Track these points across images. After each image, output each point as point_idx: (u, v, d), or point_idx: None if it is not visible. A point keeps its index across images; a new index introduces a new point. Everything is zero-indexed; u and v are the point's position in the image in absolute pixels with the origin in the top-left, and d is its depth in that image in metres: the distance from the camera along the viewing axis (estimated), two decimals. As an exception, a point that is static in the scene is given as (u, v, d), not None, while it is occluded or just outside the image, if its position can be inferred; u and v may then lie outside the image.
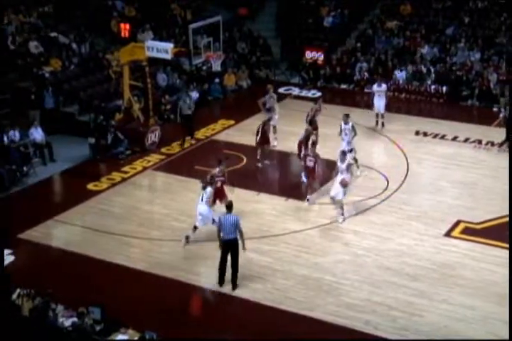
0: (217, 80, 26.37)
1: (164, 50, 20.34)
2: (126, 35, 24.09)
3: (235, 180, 17.38)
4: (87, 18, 27.66)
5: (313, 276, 14.75)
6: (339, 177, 16.70)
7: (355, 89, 27.06)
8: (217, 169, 16.43)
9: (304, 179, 18.19)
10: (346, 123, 19.22)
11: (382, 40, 28.59)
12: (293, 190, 18.03)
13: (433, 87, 25.84)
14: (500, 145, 21.07)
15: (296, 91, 26.75)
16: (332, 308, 13.70)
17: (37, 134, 20.72)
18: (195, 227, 15.70)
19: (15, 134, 20.26)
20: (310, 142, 18.99)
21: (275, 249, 15.81)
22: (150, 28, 27.34)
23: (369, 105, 23.36)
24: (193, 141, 21.83)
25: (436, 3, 29.70)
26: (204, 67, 26.31)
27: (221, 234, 14.11)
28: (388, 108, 22.82)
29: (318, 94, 26.22)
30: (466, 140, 21.73)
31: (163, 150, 21.42)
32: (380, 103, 22.45)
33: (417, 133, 22.36)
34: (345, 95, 26.65)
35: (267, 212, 17.40)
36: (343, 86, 27.47)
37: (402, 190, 18.48)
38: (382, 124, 22.61)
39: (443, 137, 22.05)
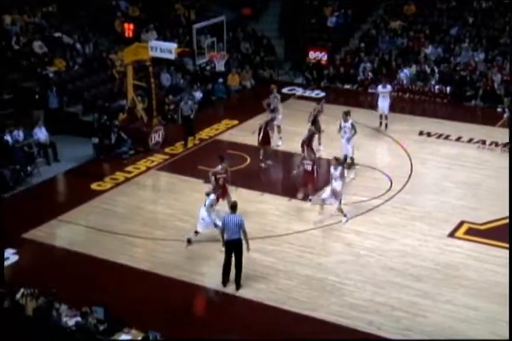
0: (220, 80, 26.38)
1: (168, 50, 20.35)
2: (130, 35, 24.13)
3: (238, 180, 17.42)
4: (91, 18, 27.69)
5: (317, 276, 14.75)
6: (334, 184, 16.61)
7: (359, 90, 27.04)
8: (220, 167, 16.44)
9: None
10: (346, 121, 19.17)
11: (385, 40, 28.57)
12: (296, 190, 17.99)
13: (437, 87, 25.81)
14: (505, 145, 21.01)
15: (299, 91, 26.73)
16: (335, 308, 13.70)
17: (41, 134, 20.76)
18: (197, 232, 15.70)
19: (19, 134, 20.31)
20: (311, 142, 19.10)
21: (278, 249, 15.82)
22: (154, 28, 27.35)
23: (373, 105, 23.32)
24: (197, 141, 21.83)
25: (441, 4, 29.66)
26: (208, 67, 26.31)
27: (225, 235, 14.12)
28: (392, 108, 22.78)
29: (322, 94, 26.23)
30: (470, 140, 21.71)
31: (167, 150, 21.43)
32: (384, 104, 22.40)
33: (421, 133, 22.34)
34: (349, 95, 26.61)
35: (270, 212, 17.40)
36: (347, 86, 27.45)
37: (406, 190, 18.47)
38: (386, 126, 22.58)
39: (447, 137, 22.03)
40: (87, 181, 19.22)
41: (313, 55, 27.65)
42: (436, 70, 26.33)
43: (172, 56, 20.57)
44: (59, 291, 12.92)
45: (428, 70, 26.33)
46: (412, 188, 18.57)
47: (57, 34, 25.63)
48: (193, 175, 19.26)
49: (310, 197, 17.69)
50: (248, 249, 14.16)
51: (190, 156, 21.09)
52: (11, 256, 15.54)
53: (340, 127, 19.31)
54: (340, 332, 13.07)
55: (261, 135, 19.70)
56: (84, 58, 25.30)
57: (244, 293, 14.22)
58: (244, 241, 14.10)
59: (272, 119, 20.33)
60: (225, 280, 14.37)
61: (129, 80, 21.64)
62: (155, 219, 17.33)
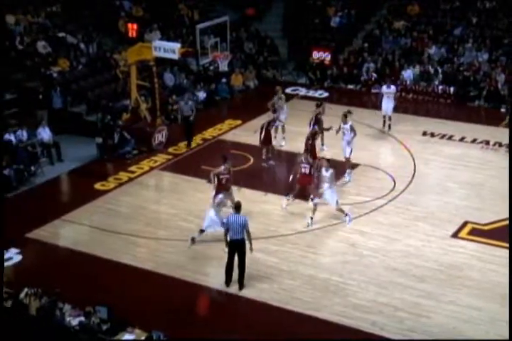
0: (224, 80, 26.39)
1: (171, 50, 20.36)
2: (134, 35, 24.15)
3: (242, 180, 17.42)
4: (94, 18, 27.73)
5: (320, 277, 14.75)
6: (324, 185, 16.53)
7: (362, 90, 27.04)
8: (222, 167, 16.41)
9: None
10: (345, 123, 19.00)
11: (389, 40, 28.56)
12: (300, 190, 17.97)
13: (440, 87, 25.81)
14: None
15: (303, 91, 26.75)
16: (338, 309, 13.70)
17: (45, 134, 20.78)
18: (202, 231, 15.70)
19: (23, 134, 20.34)
20: (310, 142, 19.09)
21: (282, 249, 15.82)
22: (157, 28, 27.38)
23: (376, 105, 23.32)
24: (199, 141, 21.74)
25: (444, 4, 29.65)
26: (211, 67, 26.34)
27: (229, 234, 14.13)
28: (395, 108, 22.74)
29: (326, 94, 26.25)
30: (474, 140, 21.70)
31: (170, 150, 21.45)
32: (388, 105, 22.32)
33: (425, 133, 22.34)
34: (352, 95, 26.62)
35: (274, 213, 17.40)
36: (350, 86, 27.45)
37: (409, 190, 18.47)
38: (389, 126, 22.53)
39: (450, 138, 22.02)
40: (91, 181, 19.24)
41: (316, 55, 27.62)
42: (439, 70, 26.33)
43: (175, 56, 20.57)
44: (62, 291, 12.95)
45: (431, 70, 26.33)
46: (416, 188, 18.57)
47: (61, 34, 25.67)
48: (197, 175, 19.26)
49: (311, 197, 17.63)
50: (251, 249, 14.16)
51: (194, 156, 21.10)
52: (14, 255, 15.57)
53: (339, 128, 19.19)
54: (344, 332, 13.06)
55: (262, 135, 19.71)
56: (88, 58, 25.34)
57: (248, 293, 14.22)
58: (247, 242, 14.10)
59: (274, 119, 20.33)
60: (228, 280, 14.38)
61: (133, 80, 21.67)
62: (158, 219, 17.35)
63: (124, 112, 22.07)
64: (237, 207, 14.29)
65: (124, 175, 19.70)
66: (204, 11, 29.69)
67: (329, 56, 27.45)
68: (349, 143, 18.91)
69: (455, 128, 22.65)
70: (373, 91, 26.14)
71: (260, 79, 27.78)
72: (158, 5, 29.42)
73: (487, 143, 21.47)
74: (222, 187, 16.11)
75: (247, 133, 21.62)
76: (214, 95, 25.90)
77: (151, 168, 20.23)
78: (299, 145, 19.89)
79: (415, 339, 12.91)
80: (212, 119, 23.75)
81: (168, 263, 15.28)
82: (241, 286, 14.30)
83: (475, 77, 25.62)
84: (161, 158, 20.87)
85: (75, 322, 12.48)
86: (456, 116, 24.02)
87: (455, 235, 16.29)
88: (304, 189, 17.49)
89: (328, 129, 20.01)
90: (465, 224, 16.71)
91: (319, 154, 19.65)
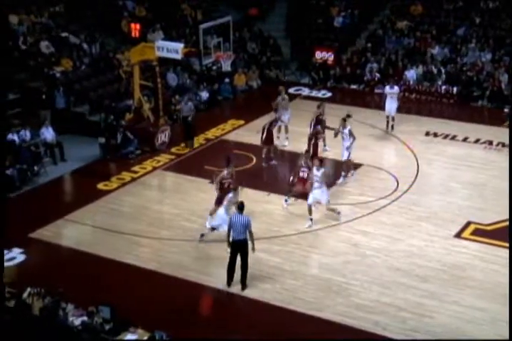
0: (227, 80, 26.39)
1: (174, 50, 20.36)
2: (137, 35, 24.15)
3: (244, 180, 17.41)
4: (97, 18, 27.74)
5: (323, 277, 14.75)
6: (315, 184, 16.49)
7: (366, 90, 27.02)
8: (226, 171, 16.37)
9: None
10: (344, 127, 18.85)
11: (392, 40, 28.55)
12: (299, 192, 17.95)
13: (444, 87, 25.78)
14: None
15: (306, 91, 26.73)
16: (341, 309, 13.69)
17: (48, 134, 20.81)
18: (213, 228, 15.69)
19: (26, 134, 20.38)
20: (313, 142, 19.07)
21: (285, 249, 15.82)
22: (160, 28, 27.39)
23: (379, 106, 23.29)
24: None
25: (448, 4, 29.63)
26: (214, 67, 26.32)
27: (231, 234, 14.12)
28: (399, 109, 22.70)
29: (329, 94, 26.24)
30: (477, 141, 21.67)
31: (173, 150, 21.45)
32: (391, 106, 22.23)
33: (428, 133, 22.31)
34: (356, 95, 26.61)
35: (276, 213, 17.40)
36: (353, 86, 27.43)
37: (412, 190, 18.45)
38: (392, 127, 22.50)
39: (453, 138, 22.00)
40: (94, 181, 19.25)
41: (319, 55, 27.64)
42: (442, 71, 26.30)
43: (178, 56, 20.58)
44: (65, 291, 12.94)
45: (435, 70, 26.31)
46: (419, 189, 18.55)
47: (64, 34, 25.69)
48: (199, 175, 19.28)
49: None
50: (253, 249, 14.15)
51: (196, 156, 21.11)
52: (17, 255, 15.59)
53: (338, 132, 19.10)
54: (346, 332, 13.05)
55: (264, 135, 19.71)
56: (91, 58, 25.36)
57: (250, 293, 14.22)
58: (250, 242, 14.09)
59: (276, 119, 20.33)
60: (229, 280, 14.37)
61: (136, 80, 21.67)
62: (161, 219, 17.35)
63: (127, 112, 22.09)
64: (240, 207, 14.28)
65: (126, 175, 19.71)
66: (207, 11, 29.69)
67: (332, 56, 27.46)
68: (348, 148, 18.76)
69: (458, 129, 22.63)
70: (376, 91, 26.12)
71: (263, 79, 27.77)
72: (161, 5, 29.43)
73: (490, 143, 21.44)
74: (225, 192, 16.08)
75: (249, 133, 21.62)
76: (217, 95, 25.91)
77: (154, 168, 20.24)
78: (301, 146, 19.87)
79: (418, 339, 12.89)
80: (215, 119, 23.76)
81: (171, 263, 15.29)
82: (244, 286, 14.30)
83: (478, 77, 25.59)
84: (164, 158, 20.88)
85: (77, 322, 12.48)
86: (459, 116, 23.99)
87: (458, 235, 16.28)
88: (301, 193, 17.45)
89: (331, 128, 19.98)
90: (468, 224, 16.69)
91: (321, 154, 19.62)
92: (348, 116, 19.37)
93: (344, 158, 18.89)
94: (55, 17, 26.62)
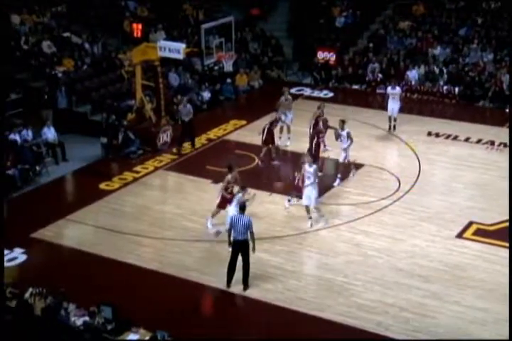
0: (229, 80, 26.38)
1: (176, 50, 20.37)
2: (139, 35, 24.16)
3: (246, 181, 17.32)
4: (99, 18, 27.77)
5: (325, 277, 14.74)
6: (306, 182, 16.47)
7: (368, 90, 27.02)
8: (230, 176, 16.32)
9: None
10: (342, 129, 18.72)
11: (394, 40, 28.55)
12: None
13: (445, 87, 25.77)
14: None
15: (308, 91, 26.73)
16: (343, 309, 13.68)
17: (49, 134, 20.82)
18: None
19: (28, 134, 20.39)
20: (315, 141, 19.06)
21: (287, 249, 15.81)
22: (162, 28, 27.42)
23: (381, 106, 23.29)
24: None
25: (449, 4, 29.63)
26: (216, 68, 26.33)
27: (232, 235, 14.11)
28: (401, 109, 22.66)
29: (331, 94, 26.24)
30: (479, 141, 21.66)
31: (175, 150, 21.43)
32: (393, 106, 22.16)
33: (429, 134, 22.30)
34: (357, 96, 26.61)
35: (279, 213, 17.39)
36: (355, 86, 27.43)
37: (414, 190, 18.45)
38: (394, 127, 22.47)
39: (455, 138, 21.99)
40: (96, 181, 19.25)
41: (321, 55, 27.62)
42: (444, 71, 26.30)
43: (180, 56, 20.59)
44: (67, 291, 12.93)
45: (436, 71, 26.30)
46: (421, 189, 18.54)
47: (66, 34, 25.74)
48: (201, 175, 19.28)
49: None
50: (254, 249, 14.10)
51: (198, 156, 21.10)
52: (19, 255, 15.58)
53: (338, 135, 19.04)
54: (348, 332, 13.04)
55: (264, 135, 19.71)
56: (92, 58, 25.37)
57: (252, 293, 14.21)
58: (250, 242, 14.06)
59: (276, 119, 20.32)
60: (229, 281, 14.31)
61: (138, 80, 21.68)
62: (163, 219, 17.35)
63: (128, 112, 22.08)
64: (242, 207, 14.28)
65: (128, 175, 19.71)
66: (209, 11, 29.70)
67: (334, 56, 27.45)
68: (345, 150, 18.69)
69: (460, 129, 22.62)
70: (378, 91, 26.12)
71: (265, 80, 27.77)
72: (163, 5, 29.45)
73: (492, 143, 21.43)
74: (231, 196, 16.05)
75: (251, 134, 21.62)
76: (219, 95, 25.92)
77: (156, 168, 20.24)
78: (303, 146, 19.90)
79: (420, 339, 12.89)
80: (217, 119, 23.76)
81: (173, 263, 15.29)
82: (245, 286, 14.29)
83: (480, 77, 25.58)
84: (165, 158, 20.88)
85: (79, 321, 12.47)
86: (461, 116, 23.96)
87: (460, 235, 16.27)
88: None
89: (333, 128, 19.97)
90: (470, 224, 16.68)
91: (323, 154, 19.61)
92: (343, 121, 19.08)
93: (341, 160, 18.86)
94: (57, 17, 26.66)
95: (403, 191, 18.37)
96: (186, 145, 21.54)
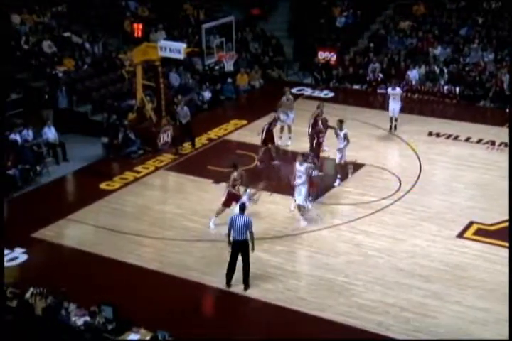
0: (229, 80, 26.38)
1: (177, 50, 20.37)
2: (139, 35, 24.18)
3: (247, 180, 17.38)
4: (100, 18, 27.77)
5: (325, 277, 14.73)
6: (297, 181, 16.43)
7: (368, 90, 27.01)
8: (235, 173, 16.34)
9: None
10: (340, 129, 18.67)
11: (394, 40, 28.54)
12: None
13: (446, 87, 25.76)
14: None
15: (308, 91, 26.71)
16: (344, 309, 13.67)
17: (50, 134, 20.82)
18: None
19: (28, 133, 20.39)
20: (315, 141, 19.04)
21: (287, 249, 15.81)
22: (163, 28, 27.41)
23: (382, 106, 23.28)
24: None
25: (450, 4, 29.61)
26: (217, 67, 26.32)
27: (232, 235, 14.10)
28: (402, 109, 22.62)
29: (331, 94, 26.23)
30: (480, 141, 21.65)
31: (173, 150, 21.39)
32: (394, 107, 22.11)
33: (430, 133, 22.29)
34: (358, 96, 26.60)
35: (279, 213, 17.38)
36: (356, 86, 27.42)
37: (415, 190, 18.44)
38: (395, 127, 22.45)
39: (456, 138, 21.98)
40: (96, 181, 19.25)
41: (322, 55, 27.60)
42: (445, 71, 26.29)
43: (181, 56, 20.59)
44: (68, 291, 12.93)
45: (437, 71, 26.29)
46: (421, 189, 18.54)
47: (67, 34, 25.73)
48: (202, 175, 19.28)
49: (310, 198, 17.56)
50: (253, 249, 14.08)
51: (199, 156, 21.10)
52: (20, 255, 15.58)
53: (336, 134, 19.01)
54: (349, 332, 13.04)
55: (263, 135, 19.70)
56: (93, 58, 25.37)
57: (253, 293, 14.21)
58: (249, 241, 14.04)
59: (276, 119, 20.32)
60: (228, 281, 14.30)
61: (138, 80, 21.68)
62: (164, 219, 17.35)
63: (129, 112, 22.08)
64: (242, 207, 14.26)
65: (129, 175, 19.71)
66: (210, 10, 29.69)
67: (335, 56, 27.42)
68: (340, 150, 18.61)
69: (461, 129, 22.61)
70: (379, 91, 26.11)
71: (266, 79, 27.76)
72: (163, 5, 29.44)
73: (493, 143, 21.41)
74: (231, 192, 16.05)
75: (252, 134, 21.60)
76: (219, 95, 25.91)
77: (157, 168, 20.24)
78: (304, 145, 19.89)
79: (421, 339, 12.88)
80: (218, 119, 23.75)
81: (174, 263, 15.28)
82: (246, 286, 14.28)
83: (481, 77, 25.57)
84: (166, 158, 20.88)
85: (80, 321, 12.47)
86: (461, 116, 23.95)
87: (460, 235, 16.26)
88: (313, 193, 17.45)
89: (333, 127, 19.95)
90: (470, 224, 16.68)
91: (323, 154, 19.61)
92: (341, 121, 19.06)
93: (337, 160, 18.84)
94: (58, 17, 26.65)
95: (404, 191, 18.36)
96: (186, 145, 21.55)
